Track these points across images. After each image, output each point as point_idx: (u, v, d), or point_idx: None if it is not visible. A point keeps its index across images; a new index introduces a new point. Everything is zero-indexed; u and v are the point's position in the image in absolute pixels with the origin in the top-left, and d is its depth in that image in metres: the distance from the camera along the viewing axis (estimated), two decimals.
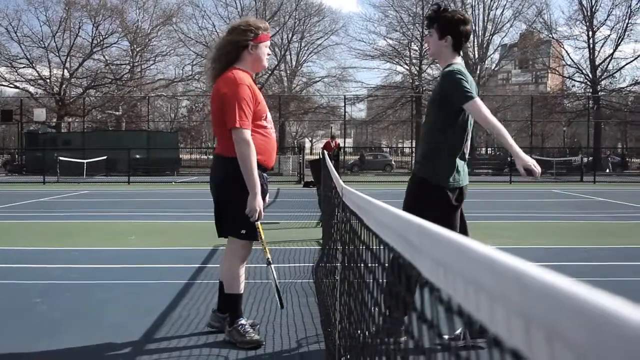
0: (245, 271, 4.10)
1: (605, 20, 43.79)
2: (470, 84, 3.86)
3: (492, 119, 3.76)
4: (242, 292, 4.06)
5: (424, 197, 3.91)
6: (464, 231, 4.01)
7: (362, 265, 1.90)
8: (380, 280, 1.54)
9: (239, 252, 3.99)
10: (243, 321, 3.98)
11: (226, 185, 3.90)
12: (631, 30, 43.81)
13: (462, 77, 3.82)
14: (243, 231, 3.90)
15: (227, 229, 3.97)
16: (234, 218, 3.90)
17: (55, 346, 3.90)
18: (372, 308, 1.67)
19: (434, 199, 3.88)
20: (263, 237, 3.97)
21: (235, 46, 3.96)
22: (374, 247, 1.57)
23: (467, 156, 4.03)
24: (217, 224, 3.98)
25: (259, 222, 3.88)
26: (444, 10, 4.00)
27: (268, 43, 4.07)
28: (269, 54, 4.11)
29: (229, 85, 3.83)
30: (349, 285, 2.40)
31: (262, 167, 3.94)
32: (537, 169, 3.70)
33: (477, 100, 3.78)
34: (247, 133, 3.78)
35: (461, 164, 3.98)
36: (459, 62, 4.00)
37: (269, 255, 4.00)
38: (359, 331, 2.03)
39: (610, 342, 0.41)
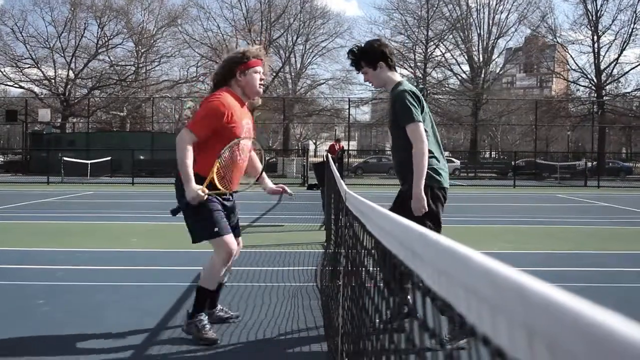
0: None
1: (610, 25, 43.68)
2: (420, 103, 4.00)
3: (423, 148, 3.87)
4: (213, 289, 4.14)
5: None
6: None
7: (365, 270, 1.90)
8: (382, 285, 1.54)
9: (218, 251, 4.05)
10: (203, 317, 4.04)
11: (178, 192, 4.08)
12: (636, 35, 43.51)
13: (412, 98, 3.95)
14: (216, 229, 3.97)
15: (197, 236, 4.08)
16: (194, 223, 4.05)
17: (57, 348, 3.91)
18: (374, 315, 1.68)
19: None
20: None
21: (224, 70, 4.12)
22: (376, 253, 1.58)
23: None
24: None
25: (205, 192, 3.91)
26: (360, 48, 4.20)
27: (259, 69, 4.10)
28: (262, 80, 4.15)
29: (205, 101, 4.06)
30: (352, 290, 2.40)
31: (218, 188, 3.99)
32: (421, 211, 3.88)
33: (420, 125, 3.91)
34: (189, 133, 3.89)
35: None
36: (404, 81, 4.16)
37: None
38: (361, 336, 2.03)
39: (608, 357, 0.41)
